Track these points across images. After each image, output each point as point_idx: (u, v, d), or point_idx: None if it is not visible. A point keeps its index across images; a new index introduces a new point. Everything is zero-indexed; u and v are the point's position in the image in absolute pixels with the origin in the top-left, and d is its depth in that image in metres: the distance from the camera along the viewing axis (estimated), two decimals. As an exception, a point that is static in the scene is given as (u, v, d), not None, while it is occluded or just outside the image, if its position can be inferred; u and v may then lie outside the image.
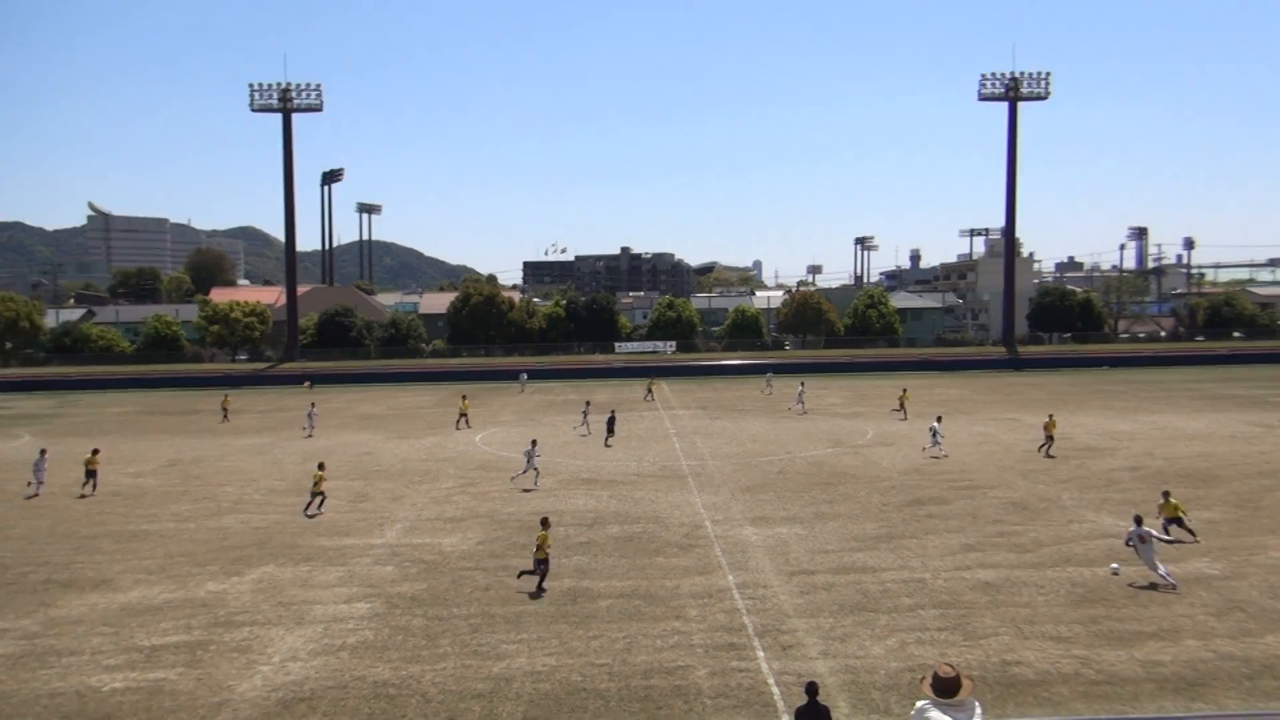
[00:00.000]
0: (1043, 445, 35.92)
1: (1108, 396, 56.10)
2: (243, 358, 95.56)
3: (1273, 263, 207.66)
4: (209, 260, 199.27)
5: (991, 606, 17.90)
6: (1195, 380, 67.55)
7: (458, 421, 47.78)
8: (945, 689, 8.85)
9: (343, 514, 27.35)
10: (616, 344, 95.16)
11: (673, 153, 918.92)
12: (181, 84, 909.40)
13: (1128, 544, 19.24)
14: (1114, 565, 19.91)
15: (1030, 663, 15.11)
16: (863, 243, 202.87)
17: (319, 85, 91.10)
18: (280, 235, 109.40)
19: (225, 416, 53.55)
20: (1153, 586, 18.63)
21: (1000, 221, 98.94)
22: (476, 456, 38.05)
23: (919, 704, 9.01)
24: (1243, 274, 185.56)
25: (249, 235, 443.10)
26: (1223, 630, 16.39)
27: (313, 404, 50.00)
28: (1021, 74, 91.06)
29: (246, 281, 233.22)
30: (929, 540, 22.91)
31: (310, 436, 45.09)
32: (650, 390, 62.47)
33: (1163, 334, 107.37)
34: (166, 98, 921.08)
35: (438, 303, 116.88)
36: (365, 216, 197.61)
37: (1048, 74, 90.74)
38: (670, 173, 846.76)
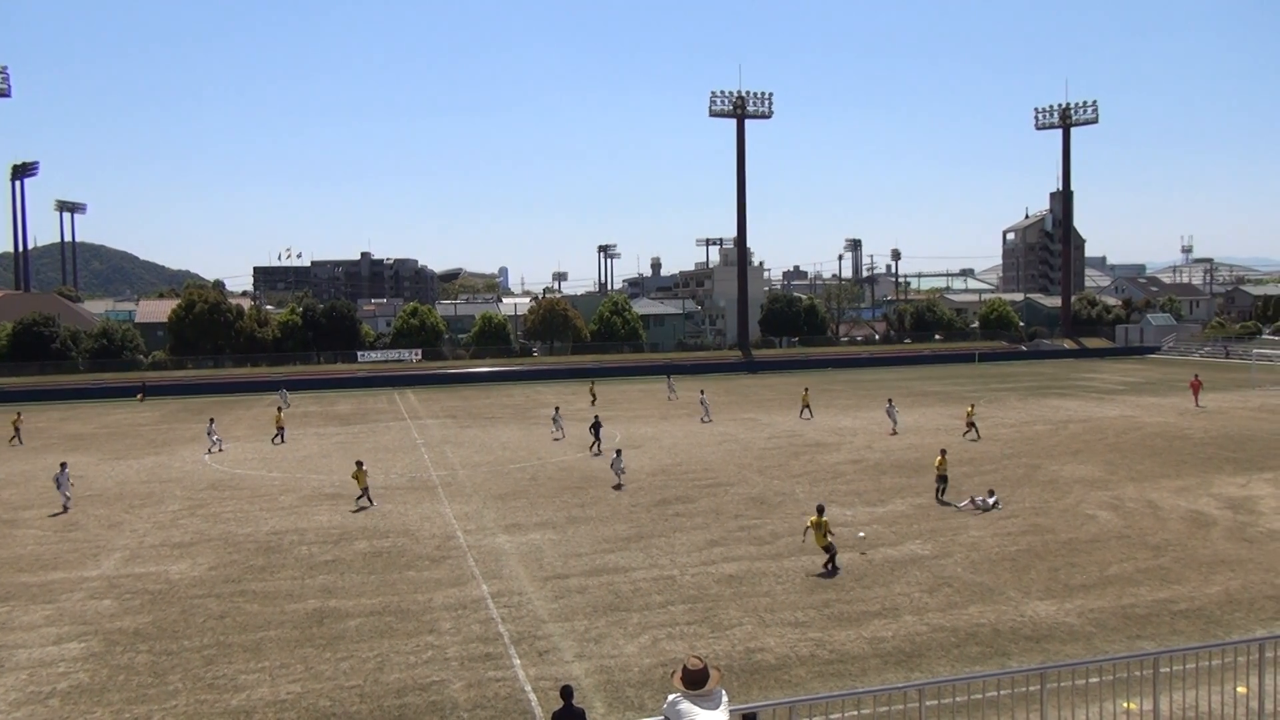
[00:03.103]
0: (967, 431, 40.36)
1: (832, 395, 60.60)
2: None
3: (965, 273, 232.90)
4: None
5: (736, 598, 18.85)
6: (904, 379, 74.40)
7: (274, 437, 44.73)
8: (694, 681, 9.18)
9: (49, 545, 24.59)
10: (359, 353, 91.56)
11: (415, 155, 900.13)
12: None
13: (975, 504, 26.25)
14: (860, 534, 23.28)
15: (771, 648, 16.05)
16: (606, 250, 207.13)
17: (4, 67, 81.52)
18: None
19: (17, 437, 46.07)
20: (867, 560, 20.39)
21: (733, 231, 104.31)
22: (206, 476, 35.41)
23: (670, 697, 9.30)
24: (940, 283, 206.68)
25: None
26: (934, 605, 18.17)
27: (211, 420, 45.15)
28: (747, 93, 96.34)
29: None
30: (677, 538, 23.78)
31: (220, 451, 41.12)
32: (592, 393, 59.32)
33: (876, 337, 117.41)
34: None
35: (157, 310, 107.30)
36: (67, 216, 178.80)
37: (770, 94, 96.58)
38: (413, 176, 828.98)
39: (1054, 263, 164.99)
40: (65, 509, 29.08)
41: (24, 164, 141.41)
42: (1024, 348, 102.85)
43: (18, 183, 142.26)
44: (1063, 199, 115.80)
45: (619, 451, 32.64)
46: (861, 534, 23.24)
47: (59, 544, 24.78)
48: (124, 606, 19.25)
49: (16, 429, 46.97)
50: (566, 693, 11.12)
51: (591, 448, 38.78)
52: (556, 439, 42.74)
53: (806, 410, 49.52)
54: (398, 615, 18.27)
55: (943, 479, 28.02)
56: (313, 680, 15.12)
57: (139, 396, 71.65)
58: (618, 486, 30.66)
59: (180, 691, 14.79)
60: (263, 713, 13.97)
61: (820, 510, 20.88)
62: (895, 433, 42.32)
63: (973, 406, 42.76)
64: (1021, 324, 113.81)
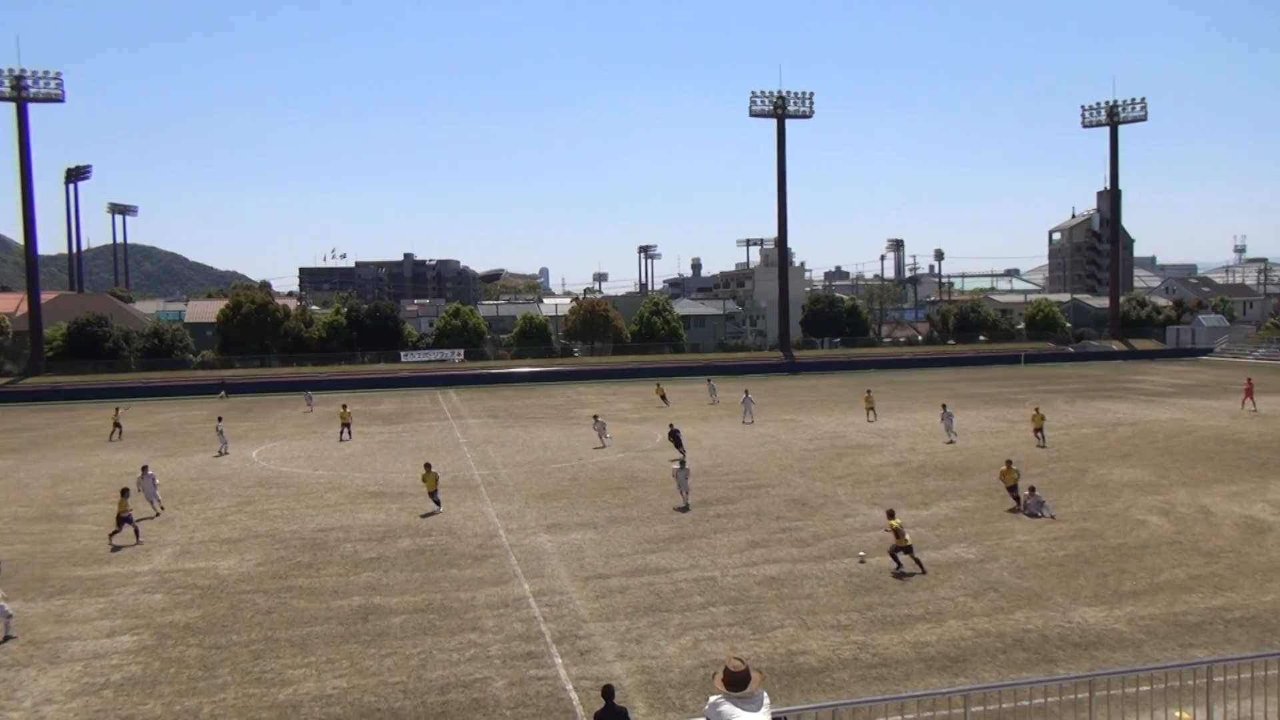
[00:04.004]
0: (1039, 441, 38.51)
1: (874, 396, 60.02)
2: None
3: (1009, 273, 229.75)
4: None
5: (777, 600, 18.77)
6: (948, 380, 73.56)
7: (341, 433, 45.28)
8: (736, 682, 9.15)
9: (102, 540, 25.12)
10: (402, 353, 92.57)
11: (457, 157, 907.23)
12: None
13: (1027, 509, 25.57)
14: (860, 555, 21.73)
15: (813, 651, 15.96)
16: (646, 251, 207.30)
17: (59, 73, 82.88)
18: (18, 237, 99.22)
19: (118, 432, 47.60)
20: (916, 569, 20.19)
21: (774, 232, 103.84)
22: (253, 473, 35.98)
23: (711, 699, 9.28)
24: (984, 283, 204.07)
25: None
26: (979, 609, 17.94)
27: (219, 418, 46.10)
28: (788, 93, 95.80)
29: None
30: (718, 539, 23.73)
31: (224, 454, 40.94)
32: (661, 393, 58.90)
33: (919, 338, 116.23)
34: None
35: (205, 311, 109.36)
36: (119, 218, 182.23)
37: (811, 94, 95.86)
38: (455, 177, 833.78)
39: (1101, 263, 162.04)
40: (158, 513, 28.22)
41: (77, 167, 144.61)
42: (1071, 349, 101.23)
43: (71, 186, 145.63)
44: (1110, 198, 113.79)
45: (683, 462, 29.81)
46: (861, 554, 21.73)
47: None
48: (175, 601, 19.64)
49: (117, 424, 48.31)
50: (608, 692, 11.15)
51: (681, 459, 32.52)
52: (599, 448, 40.74)
53: (871, 412, 48.88)
54: (441, 613, 18.43)
55: (1013, 489, 26.87)
56: (358, 676, 15.31)
57: (222, 394, 72.90)
58: (683, 508, 27.44)
59: (229, 685, 15.05)
60: (309, 707, 14.17)
61: (890, 514, 20.85)
62: (952, 442, 39.60)
63: (1037, 410, 40.80)
64: (1068, 325, 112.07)
